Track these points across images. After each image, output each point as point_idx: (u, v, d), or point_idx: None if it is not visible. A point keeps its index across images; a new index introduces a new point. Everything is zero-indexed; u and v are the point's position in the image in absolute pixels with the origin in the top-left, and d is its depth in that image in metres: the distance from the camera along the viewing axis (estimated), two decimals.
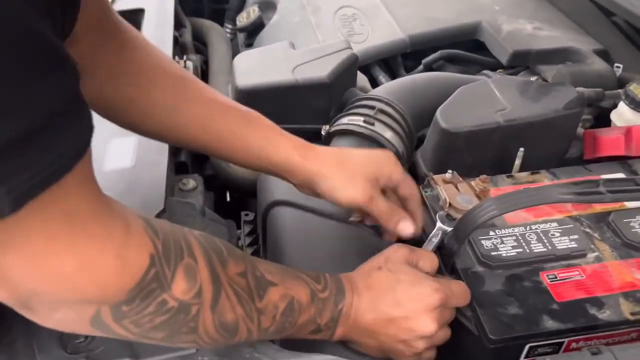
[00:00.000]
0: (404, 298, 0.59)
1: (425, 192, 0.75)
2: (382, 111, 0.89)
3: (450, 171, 0.73)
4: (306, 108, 0.94)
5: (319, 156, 0.68)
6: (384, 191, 0.69)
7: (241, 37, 1.42)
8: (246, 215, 0.98)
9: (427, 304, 0.59)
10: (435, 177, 0.74)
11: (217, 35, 1.38)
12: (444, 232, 0.67)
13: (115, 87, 0.63)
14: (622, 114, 0.87)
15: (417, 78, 0.99)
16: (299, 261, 0.72)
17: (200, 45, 1.37)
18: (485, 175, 0.72)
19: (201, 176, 0.91)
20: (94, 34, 0.60)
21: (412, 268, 0.62)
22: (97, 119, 0.76)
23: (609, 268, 0.64)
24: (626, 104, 0.85)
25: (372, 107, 0.89)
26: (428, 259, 0.64)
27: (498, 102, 0.83)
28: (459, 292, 0.62)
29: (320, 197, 0.69)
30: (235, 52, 1.30)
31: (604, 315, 0.60)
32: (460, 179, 0.73)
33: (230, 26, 1.51)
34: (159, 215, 0.69)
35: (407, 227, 0.67)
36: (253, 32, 1.36)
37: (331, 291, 0.59)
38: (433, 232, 0.68)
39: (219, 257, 0.50)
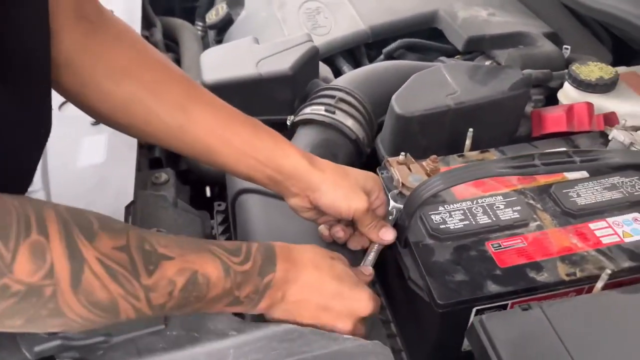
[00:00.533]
0: (346, 293, 0.61)
1: (382, 173, 0.79)
2: (342, 100, 0.93)
3: (403, 153, 0.78)
4: (271, 100, 0.99)
5: (323, 165, 0.69)
6: None
7: (212, 34, 1.46)
8: (219, 205, 1.02)
9: (358, 308, 0.61)
10: (390, 159, 0.79)
11: (188, 33, 1.42)
12: (399, 210, 0.72)
13: (116, 82, 0.62)
14: (567, 93, 0.93)
15: (376, 67, 1.04)
16: None
17: (172, 43, 1.41)
18: (435, 156, 0.77)
19: (175, 170, 0.95)
20: (78, 22, 0.59)
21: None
22: (67, 119, 0.81)
23: (548, 235, 0.69)
24: (569, 83, 0.91)
25: (333, 97, 0.94)
26: (364, 273, 0.68)
27: (449, 86, 0.88)
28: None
29: (314, 206, 0.69)
30: (206, 49, 1.33)
31: (542, 277, 0.65)
32: (413, 160, 0.78)
33: (201, 24, 1.55)
34: (129, 207, 0.73)
35: (388, 233, 0.70)
36: (222, 28, 1.40)
37: (255, 262, 0.57)
38: (388, 210, 0.74)
39: (85, 232, 0.46)
